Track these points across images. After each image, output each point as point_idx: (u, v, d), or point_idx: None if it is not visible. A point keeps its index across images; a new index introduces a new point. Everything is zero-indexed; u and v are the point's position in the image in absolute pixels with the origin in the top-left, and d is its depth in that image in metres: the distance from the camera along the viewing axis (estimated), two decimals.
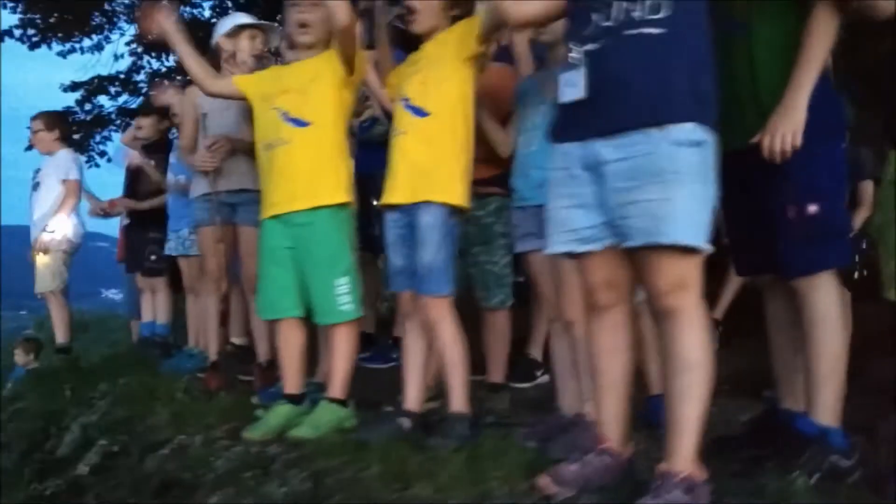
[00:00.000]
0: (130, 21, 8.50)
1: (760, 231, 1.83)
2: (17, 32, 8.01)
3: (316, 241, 2.36)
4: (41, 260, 4.39)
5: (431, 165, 2.15)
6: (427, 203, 2.13)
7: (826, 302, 1.73)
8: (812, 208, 1.74)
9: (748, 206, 1.84)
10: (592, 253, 1.62)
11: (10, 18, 7.89)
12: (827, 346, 1.72)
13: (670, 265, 1.49)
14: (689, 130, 1.48)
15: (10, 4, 7.62)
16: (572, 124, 1.63)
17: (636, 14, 1.52)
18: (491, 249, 2.60)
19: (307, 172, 2.36)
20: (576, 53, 1.58)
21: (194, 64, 2.54)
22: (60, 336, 4.54)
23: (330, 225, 2.36)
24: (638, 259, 1.54)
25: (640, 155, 1.49)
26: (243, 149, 2.85)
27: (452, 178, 2.16)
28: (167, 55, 8.10)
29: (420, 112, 2.17)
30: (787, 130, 1.66)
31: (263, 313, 2.51)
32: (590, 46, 1.57)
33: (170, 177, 3.85)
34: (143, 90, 8.49)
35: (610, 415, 1.67)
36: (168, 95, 3.39)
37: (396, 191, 2.20)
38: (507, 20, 1.91)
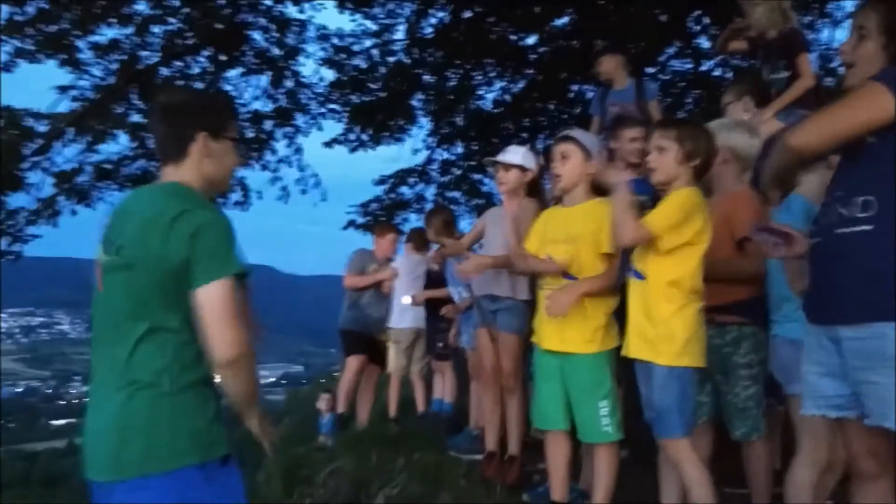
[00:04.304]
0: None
1: None
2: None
3: (581, 369, 2.59)
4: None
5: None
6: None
7: None
8: None
9: None
10: (848, 420, 1.64)
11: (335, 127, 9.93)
12: None
13: None
14: None
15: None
16: (811, 306, 1.72)
17: (846, 213, 1.58)
18: (730, 380, 2.47)
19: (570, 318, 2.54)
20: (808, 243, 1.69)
21: None
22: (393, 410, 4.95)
23: (592, 362, 2.58)
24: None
25: (869, 338, 1.53)
26: (500, 263, 3.09)
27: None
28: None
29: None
30: None
31: (536, 422, 2.79)
32: (814, 239, 1.67)
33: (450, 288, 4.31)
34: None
35: None
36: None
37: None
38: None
